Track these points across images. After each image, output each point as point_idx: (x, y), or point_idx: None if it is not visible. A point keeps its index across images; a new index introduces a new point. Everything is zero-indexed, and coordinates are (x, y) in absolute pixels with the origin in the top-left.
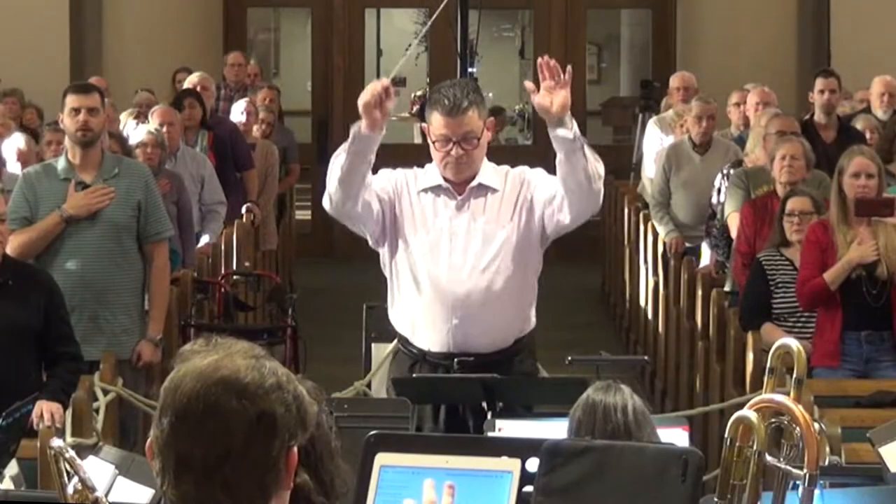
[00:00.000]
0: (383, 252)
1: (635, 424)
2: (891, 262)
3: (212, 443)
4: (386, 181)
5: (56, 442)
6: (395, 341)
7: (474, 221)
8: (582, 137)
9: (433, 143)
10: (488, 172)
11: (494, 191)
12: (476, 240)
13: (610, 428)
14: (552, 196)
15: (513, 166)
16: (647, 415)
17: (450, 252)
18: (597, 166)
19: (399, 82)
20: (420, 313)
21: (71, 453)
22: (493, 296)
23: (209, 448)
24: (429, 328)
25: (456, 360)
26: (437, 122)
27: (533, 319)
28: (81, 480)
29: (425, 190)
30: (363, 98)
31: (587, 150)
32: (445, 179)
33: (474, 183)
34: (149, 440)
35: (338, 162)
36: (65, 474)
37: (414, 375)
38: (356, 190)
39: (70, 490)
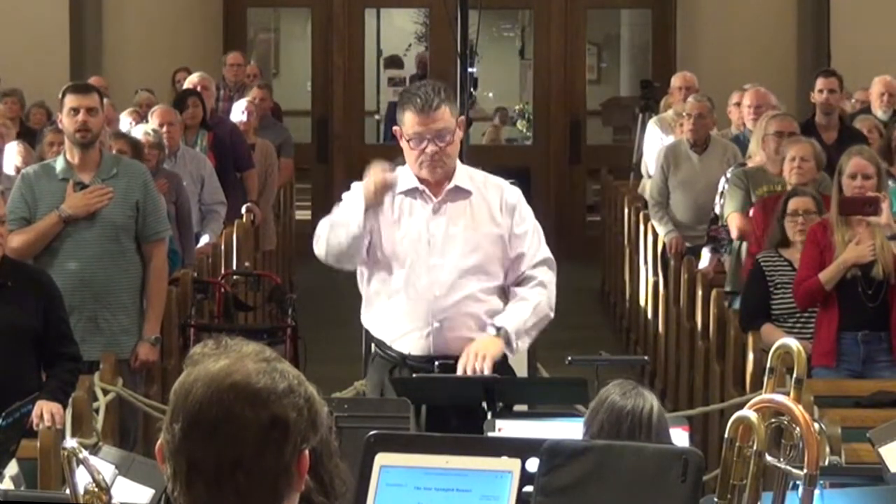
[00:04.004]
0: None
1: (656, 434)
2: (886, 263)
3: (224, 450)
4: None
5: (69, 442)
6: (372, 345)
7: (453, 225)
8: (516, 337)
9: (407, 142)
10: (462, 175)
11: (469, 193)
12: (454, 244)
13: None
14: (516, 266)
15: (513, 165)
16: (665, 419)
17: (428, 256)
18: (546, 316)
19: (399, 82)
20: (399, 318)
21: (85, 454)
22: (473, 299)
23: (221, 455)
24: (408, 333)
25: (436, 363)
26: (409, 121)
27: None
28: (96, 482)
29: (401, 194)
30: (372, 188)
31: (531, 333)
32: (421, 181)
33: (450, 185)
34: (158, 443)
35: (336, 235)
36: (76, 475)
37: (414, 376)
38: (356, 251)
39: (80, 490)
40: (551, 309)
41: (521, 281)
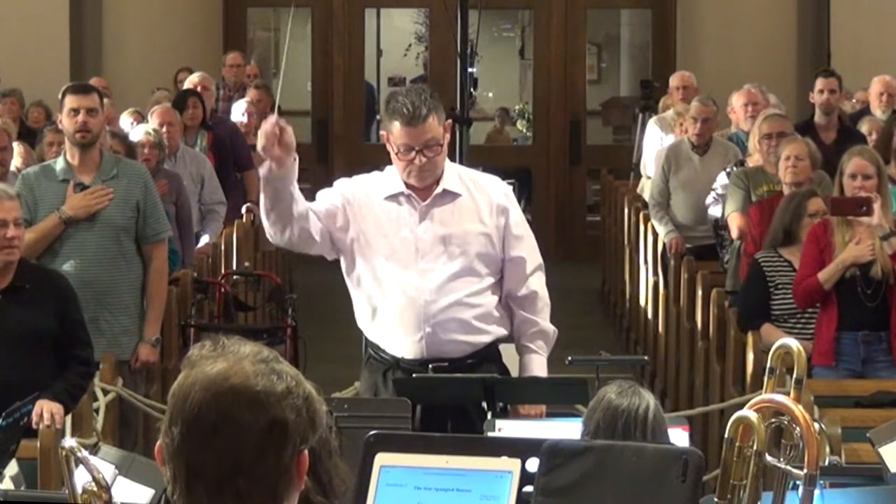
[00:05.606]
0: (345, 262)
1: (652, 434)
2: (885, 263)
3: (224, 454)
4: (337, 196)
5: (68, 441)
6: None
7: (441, 229)
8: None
9: (395, 152)
10: (451, 177)
11: (458, 195)
12: (443, 247)
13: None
14: (516, 270)
15: (513, 165)
16: (663, 419)
17: (418, 261)
18: (554, 335)
19: (399, 82)
20: (391, 323)
21: (84, 453)
22: (464, 303)
23: (221, 459)
24: (401, 337)
25: (430, 365)
26: (397, 132)
27: (505, 320)
28: (95, 480)
29: (388, 198)
30: (260, 144)
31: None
32: (408, 186)
33: (439, 190)
34: (157, 444)
35: (262, 200)
36: (74, 474)
37: (414, 375)
38: (289, 221)
39: (79, 490)
40: (551, 327)
41: (523, 298)
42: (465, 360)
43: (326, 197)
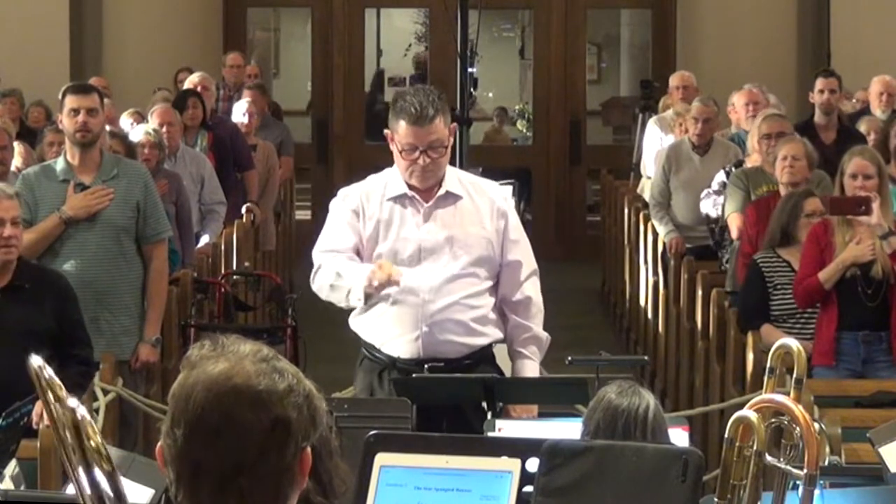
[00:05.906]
0: None
1: (652, 433)
2: (886, 263)
3: (227, 454)
4: (349, 214)
5: (35, 360)
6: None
7: (443, 230)
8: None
9: (399, 151)
10: (452, 179)
11: (459, 197)
12: (444, 249)
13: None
14: (512, 274)
15: (513, 165)
16: (663, 418)
17: (419, 262)
18: (547, 342)
19: (399, 82)
20: (389, 322)
21: (49, 372)
22: (462, 304)
23: (224, 460)
24: (398, 337)
25: (426, 365)
26: (403, 131)
27: (501, 323)
28: (58, 398)
29: (391, 199)
30: (376, 284)
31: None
32: (410, 187)
33: (441, 192)
34: (158, 445)
35: (335, 297)
36: (50, 394)
37: (414, 375)
38: None
39: (58, 409)
40: (544, 334)
41: (517, 303)
42: (462, 361)
43: (343, 219)
